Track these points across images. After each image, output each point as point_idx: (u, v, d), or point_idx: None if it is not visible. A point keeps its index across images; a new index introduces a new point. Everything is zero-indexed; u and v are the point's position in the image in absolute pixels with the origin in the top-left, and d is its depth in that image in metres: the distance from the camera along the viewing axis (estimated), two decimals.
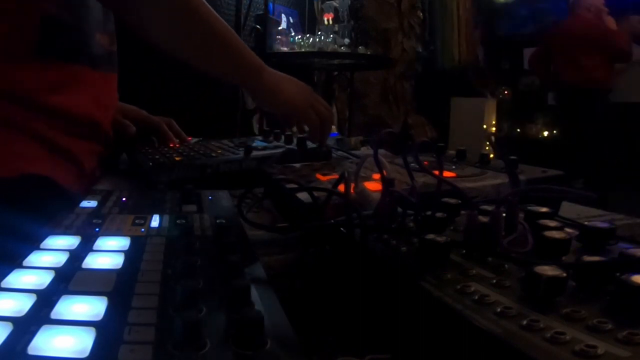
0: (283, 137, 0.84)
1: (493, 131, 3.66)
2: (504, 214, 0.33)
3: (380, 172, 0.39)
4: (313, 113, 0.80)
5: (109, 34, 0.70)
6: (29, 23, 0.55)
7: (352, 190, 0.44)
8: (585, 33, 2.89)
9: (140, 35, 0.64)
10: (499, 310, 0.23)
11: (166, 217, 0.39)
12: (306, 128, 0.83)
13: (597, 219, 0.51)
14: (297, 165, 0.65)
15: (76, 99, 0.61)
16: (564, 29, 3.04)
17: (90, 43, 0.64)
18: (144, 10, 0.62)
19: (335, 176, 0.55)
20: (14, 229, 0.32)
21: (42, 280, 0.26)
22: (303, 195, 0.47)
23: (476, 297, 0.24)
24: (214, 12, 0.67)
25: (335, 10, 3.02)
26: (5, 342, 0.20)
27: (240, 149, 0.76)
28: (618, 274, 0.24)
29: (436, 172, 0.37)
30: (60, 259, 0.29)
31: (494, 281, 0.26)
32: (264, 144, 0.83)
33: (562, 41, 2.98)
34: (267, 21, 2.30)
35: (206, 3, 0.66)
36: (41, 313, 0.22)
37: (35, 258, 0.29)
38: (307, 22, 3.10)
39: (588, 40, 2.86)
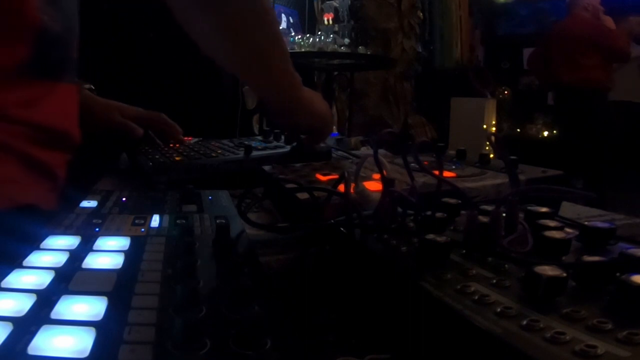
0: (283, 137, 0.84)
1: (493, 131, 3.66)
2: (504, 214, 0.33)
3: (380, 172, 0.39)
4: (332, 128, 0.82)
5: (77, 40, 0.68)
6: (25, 41, 0.52)
7: (352, 190, 0.44)
8: (582, 33, 2.88)
9: (190, 35, 0.61)
10: (499, 310, 0.23)
11: (166, 217, 0.39)
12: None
13: (597, 219, 0.51)
14: (297, 165, 0.65)
15: (48, 111, 0.57)
16: (561, 29, 3.04)
17: (70, 54, 0.61)
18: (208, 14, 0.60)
19: (335, 176, 0.55)
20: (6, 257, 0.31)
21: (42, 280, 0.26)
22: (303, 195, 0.47)
23: (476, 297, 0.24)
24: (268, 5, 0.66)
25: (335, 10, 3.02)
26: (5, 342, 0.20)
27: (240, 149, 0.76)
28: (618, 274, 0.24)
29: (436, 172, 0.37)
30: (60, 259, 0.29)
31: (494, 281, 0.26)
32: (264, 144, 0.83)
33: (560, 41, 2.98)
34: None
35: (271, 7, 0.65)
36: (41, 313, 0.22)
37: (35, 258, 0.29)
38: (307, 22, 3.10)
39: (586, 40, 2.86)
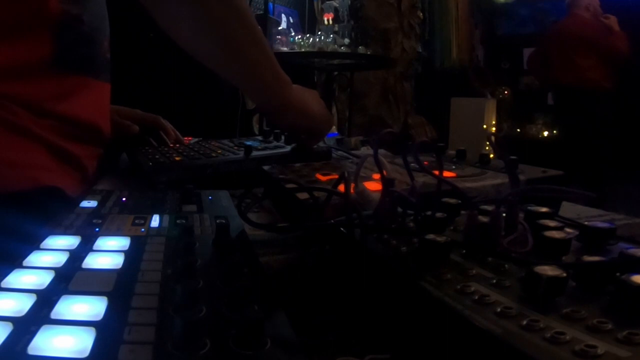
0: (283, 137, 0.84)
1: (493, 131, 3.65)
2: (504, 214, 0.33)
3: (380, 172, 0.39)
4: (329, 126, 0.79)
5: (108, 40, 0.70)
6: (47, 37, 0.55)
7: (352, 190, 0.44)
8: (582, 33, 2.88)
9: (170, 35, 0.63)
10: (499, 310, 0.23)
11: (166, 217, 0.39)
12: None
13: (597, 219, 0.51)
14: (297, 165, 0.65)
15: (81, 107, 0.62)
16: (560, 30, 3.04)
17: (99, 53, 0.64)
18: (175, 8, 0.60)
19: (335, 176, 0.55)
20: (26, 237, 0.33)
21: (42, 280, 0.26)
22: (303, 195, 0.47)
23: (476, 297, 0.24)
24: (251, 12, 0.67)
25: (335, 10, 3.02)
26: (5, 342, 0.20)
27: (240, 149, 0.76)
28: (618, 274, 0.24)
29: (436, 172, 0.37)
30: (60, 259, 0.29)
31: (494, 281, 0.26)
32: (264, 144, 0.83)
33: (559, 41, 2.97)
34: (267, 21, 2.30)
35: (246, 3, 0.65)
36: (41, 313, 0.22)
37: (35, 258, 0.29)
38: (307, 22, 3.10)
39: (584, 41, 2.86)
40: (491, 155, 0.64)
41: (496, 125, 3.83)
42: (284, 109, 0.74)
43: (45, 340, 0.20)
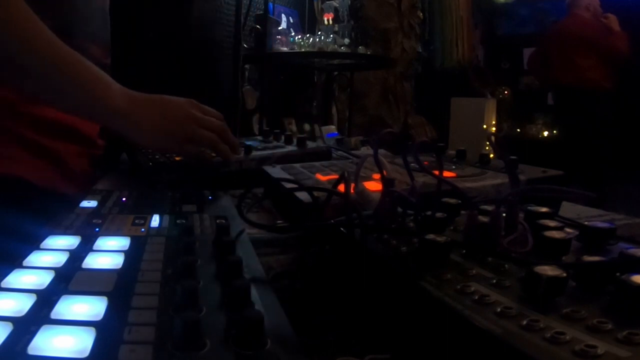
0: (283, 137, 0.84)
1: (493, 131, 3.65)
2: (504, 214, 0.33)
3: (380, 172, 0.39)
4: (194, 145, 0.63)
5: (103, 45, 0.69)
6: None
7: (352, 190, 0.44)
8: (582, 33, 2.88)
9: None
10: (499, 310, 0.23)
11: (166, 217, 0.39)
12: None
13: (597, 219, 0.51)
14: (297, 165, 0.65)
15: (58, 110, 0.61)
16: (560, 30, 3.04)
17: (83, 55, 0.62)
18: None
19: (335, 176, 0.55)
20: None
21: (42, 280, 0.26)
22: (303, 195, 0.47)
23: (476, 297, 0.24)
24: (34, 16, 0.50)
25: (335, 10, 3.02)
26: (5, 342, 0.20)
27: (241, 149, 0.76)
28: (618, 274, 0.24)
29: (436, 172, 0.37)
30: (60, 259, 0.29)
31: (494, 281, 0.26)
32: (264, 144, 0.83)
33: (559, 42, 2.97)
34: (267, 21, 2.30)
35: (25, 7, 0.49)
36: (41, 313, 0.22)
37: (35, 258, 0.29)
38: (307, 22, 3.09)
39: (584, 41, 2.86)
40: (491, 155, 0.64)
41: (496, 125, 3.82)
42: (125, 133, 0.60)
43: (45, 340, 0.20)
